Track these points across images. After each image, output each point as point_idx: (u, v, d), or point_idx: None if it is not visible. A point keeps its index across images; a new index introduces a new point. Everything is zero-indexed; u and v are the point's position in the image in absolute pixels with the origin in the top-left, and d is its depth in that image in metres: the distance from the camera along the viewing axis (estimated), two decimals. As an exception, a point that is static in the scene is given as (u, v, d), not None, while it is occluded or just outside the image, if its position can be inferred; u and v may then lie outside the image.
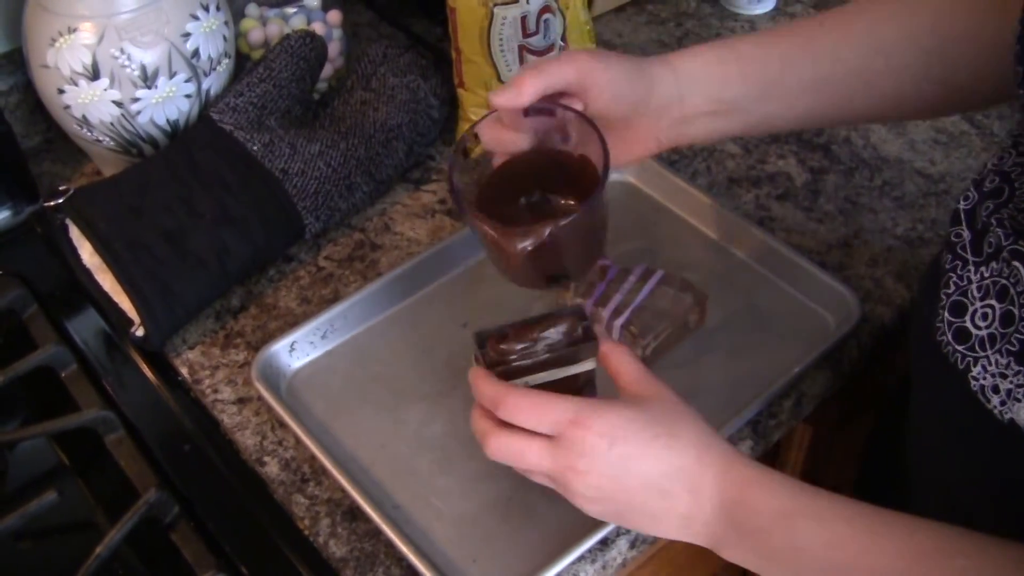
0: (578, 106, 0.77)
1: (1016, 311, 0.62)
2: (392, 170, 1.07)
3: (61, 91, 1.00)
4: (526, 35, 1.07)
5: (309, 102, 1.09)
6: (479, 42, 1.07)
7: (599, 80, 0.76)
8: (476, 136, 0.79)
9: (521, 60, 1.08)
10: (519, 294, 0.96)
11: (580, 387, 0.78)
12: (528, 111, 0.76)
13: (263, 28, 1.15)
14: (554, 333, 0.74)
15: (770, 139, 1.14)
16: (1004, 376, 0.62)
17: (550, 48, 1.09)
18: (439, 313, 0.97)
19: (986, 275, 0.65)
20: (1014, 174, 0.66)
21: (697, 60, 0.82)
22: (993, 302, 0.64)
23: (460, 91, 1.12)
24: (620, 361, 0.73)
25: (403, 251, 1.03)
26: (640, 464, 0.67)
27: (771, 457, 1.02)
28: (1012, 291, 0.62)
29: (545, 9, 1.06)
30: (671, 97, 0.81)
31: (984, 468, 0.69)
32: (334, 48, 1.18)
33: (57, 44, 0.97)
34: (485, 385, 0.70)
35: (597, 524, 0.79)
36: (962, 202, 0.69)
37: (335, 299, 0.98)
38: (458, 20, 1.06)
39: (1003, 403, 0.62)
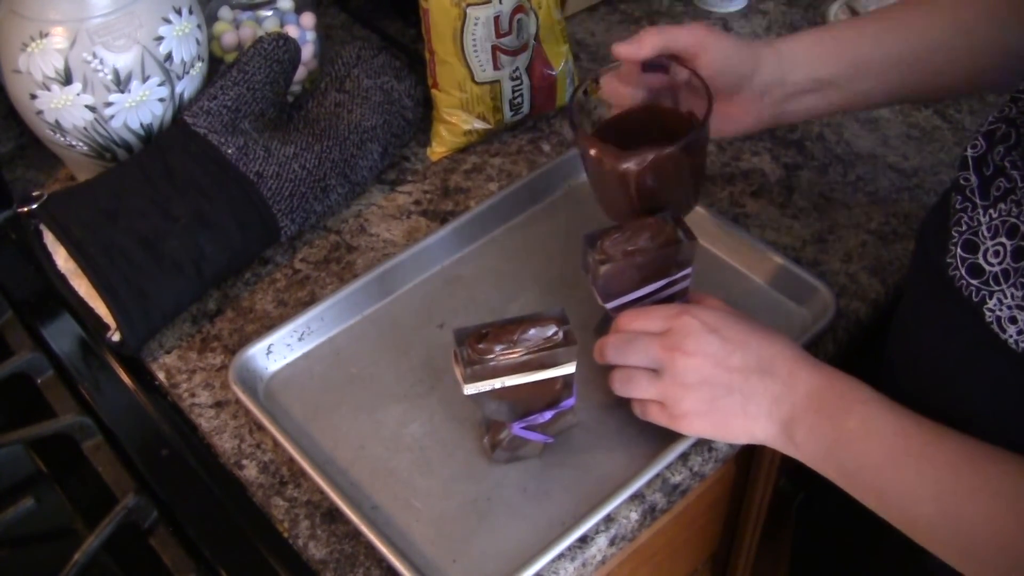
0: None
1: None
2: (367, 172, 1.07)
3: (33, 96, 0.99)
4: (499, 35, 1.07)
5: (283, 105, 1.09)
6: (452, 43, 1.07)
7: (712, 49, 0.85)
8: (597, 81, 0.89)
9: (494, 60, 1.08)
10: (496, 295, 0.97)
11: (558, 391, 0.78)
12: (645, 66, 0.85)
13: (236, 31, 1.15)
14: (534, 335, 0.74)
15: (744, 136, 1.14)
16: (1021, 308, 0.66)
17: (523, 48, 1.09)
18: (415, 314, 0.97)
19: (995, 216, 0.69)
20: (1019, 121, 0.70)
21: (798, 43, 0.90)
22: (1004, 239, 0.68)
23: (434, 92, 1.12)
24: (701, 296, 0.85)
25: (379, 252, 1.03)
26: (743, 348, 0.77)
27: (747, 457, 1.02)
28: (1022, 228, 0.67)
29: (518, 9, 1.07)
30: (774, 77, 0.89)
31: (993, 399, 0.71)
32: (308, 51, 1.18)
33: (29, 49, 0.97)
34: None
35: (577, 521, 0.79)
36: (970, 150, 0.73)
37: (311, 301, 0.98)
38: (431, 21, 1.07)
39: (1020, 332, 0.66)
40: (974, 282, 0.70)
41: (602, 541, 0.81)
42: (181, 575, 0.79)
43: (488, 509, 0.82)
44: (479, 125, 1.13)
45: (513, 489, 0.83)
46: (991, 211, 0.70)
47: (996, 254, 0.69)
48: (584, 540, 0.80)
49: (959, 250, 0.71)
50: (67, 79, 0.98)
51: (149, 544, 0.82)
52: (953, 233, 0.72)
